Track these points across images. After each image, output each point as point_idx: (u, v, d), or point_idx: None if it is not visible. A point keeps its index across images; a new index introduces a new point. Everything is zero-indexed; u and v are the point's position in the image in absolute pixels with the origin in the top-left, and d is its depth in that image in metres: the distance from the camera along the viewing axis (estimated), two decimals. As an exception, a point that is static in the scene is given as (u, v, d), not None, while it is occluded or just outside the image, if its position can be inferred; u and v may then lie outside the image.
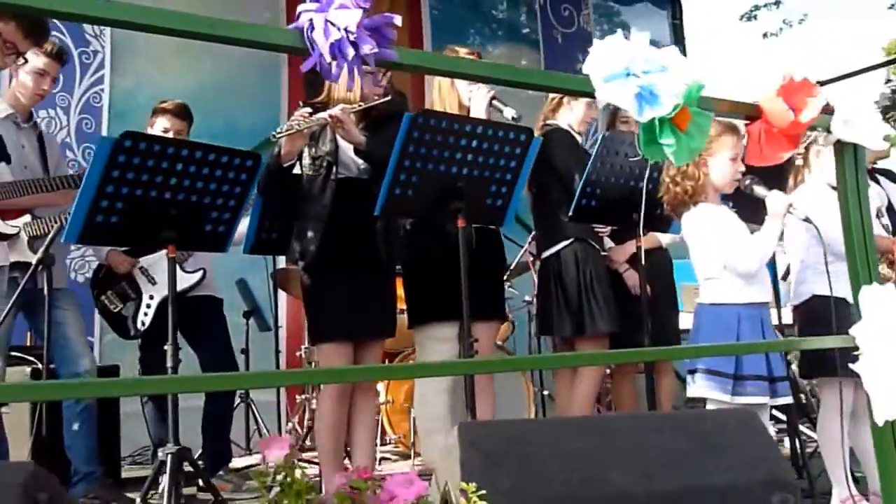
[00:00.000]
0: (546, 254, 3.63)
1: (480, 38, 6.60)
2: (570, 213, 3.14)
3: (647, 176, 3.10)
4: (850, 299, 2.89)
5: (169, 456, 2.44)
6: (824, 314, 2.77)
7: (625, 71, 1.41)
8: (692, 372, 2.68)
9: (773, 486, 1.79)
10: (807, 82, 1.56)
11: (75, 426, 3.25)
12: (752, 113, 1.67)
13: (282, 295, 5.11)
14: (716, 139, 2.72)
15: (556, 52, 6.95)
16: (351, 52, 1.20)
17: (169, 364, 2.53)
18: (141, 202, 2.45)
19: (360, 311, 2.97)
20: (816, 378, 3.11)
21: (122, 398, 3.70)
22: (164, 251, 3.45)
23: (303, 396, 4.60)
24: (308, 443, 4.52)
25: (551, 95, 3.86)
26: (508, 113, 3.16)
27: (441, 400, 3.27)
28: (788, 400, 2.67)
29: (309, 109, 2.89)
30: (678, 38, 7.88)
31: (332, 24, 1.19)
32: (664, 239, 3.90)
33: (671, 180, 2.78)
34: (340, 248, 2.96)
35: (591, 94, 1.47)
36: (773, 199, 2.63)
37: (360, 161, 3.04)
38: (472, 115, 3.23)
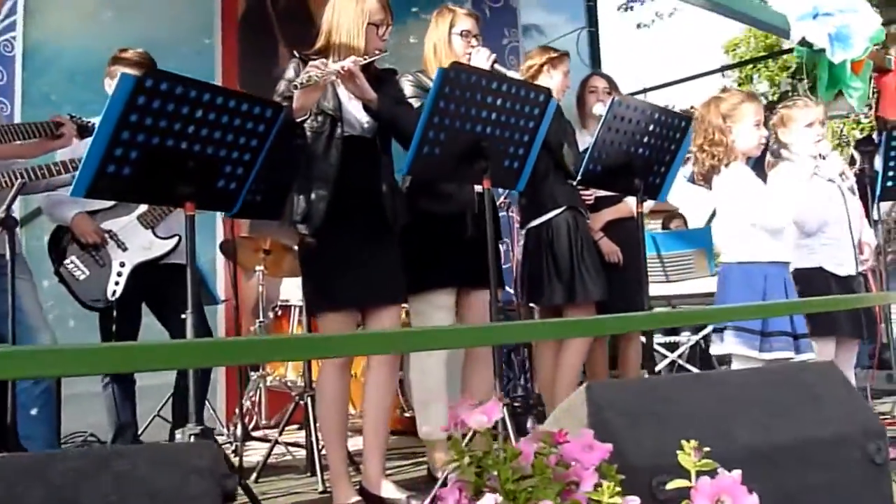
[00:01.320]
0: (535, 222, 3.55)
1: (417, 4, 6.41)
2: (579, 177, 3.07)
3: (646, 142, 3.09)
4: (827, 267, 3.05)
5: (192, 437, 2.19)
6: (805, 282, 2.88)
7: (813, 11, 1.33)
8: (719, 330, 2.70)
9: (868, 435, 1.82)
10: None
11: (34, 411, 2.89)
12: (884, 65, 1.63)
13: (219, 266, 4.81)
14: (738, 107, 2.77)
15: (483, 25, 6.84)
16: None
17: (189, 334, 2.26)
18: (158, 152, 2.17)
19: (370, 277, 2.79)
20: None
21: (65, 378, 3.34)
22: (134, 214, 3.24)
23: (257, 374, 4.33)
24: (264, 421, 4.27)
25: (528, 63, 3.78)
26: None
27: (441, 371, 3.15)
28: (812, 356, 2.73)
29: (324, 59, 2.67)
30: (592, 20, 7.97)
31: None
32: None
33: (699, 149, 2.80)
34: (349, 211, 2.77)
35: (785, 33, 1.38)
36: (801, 163, 2.67)
37: (365, 119, 2.85)
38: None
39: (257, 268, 4.31)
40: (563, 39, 7.66)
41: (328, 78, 2.64)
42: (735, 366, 2.72)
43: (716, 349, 2.74)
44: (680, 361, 5.07)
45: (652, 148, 3.10)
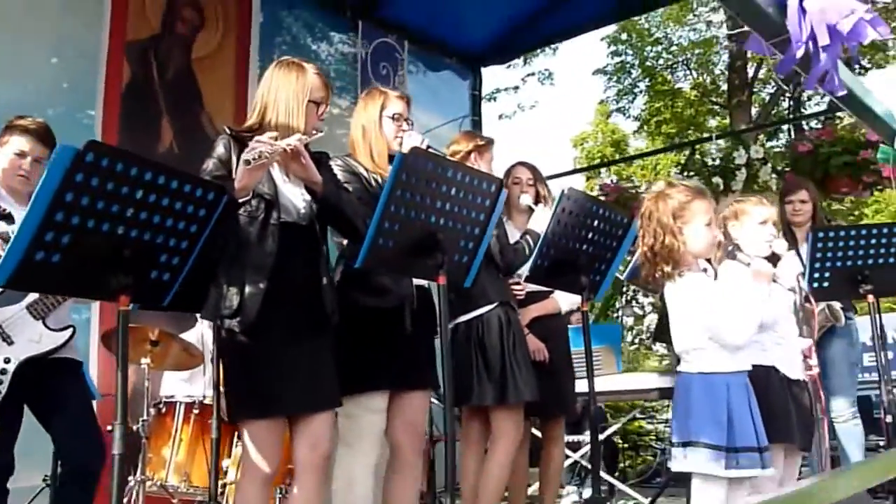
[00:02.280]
0: (465, 317, 3.37)
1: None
2: (528, 273, 2.94)
3: (590, 238, 3.02)
4: (780, 368, 3.05)
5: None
6: (758, 382, 2.85)
7: None
8: (684, 445, 2.57)
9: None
10: None
11: None
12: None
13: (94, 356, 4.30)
14: (688, 206, 2.69)
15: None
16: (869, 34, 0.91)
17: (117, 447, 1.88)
18: (92, 237, 1.84)
19: (306, 380, 2.51)
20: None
21: None
22: (24, 304, 2.79)
23: (134, 479, 3.82)
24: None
25: (454, 149, 3.67)
26: (442, 167, 2.92)
27: (369, 481, 2.86)
28: (772, 472, 2.65)
29: (271, 135, 2.42)
30: (475, 109, 8.08)
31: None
32: (563, 305, 3.83)
33: (649, 250, 2.70)
34: (285, 305, 2.50)
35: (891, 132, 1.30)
36: (757, 267, 2.64)
37: (301, 204, 2.62)
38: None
39: (143, 360, 3.87)
40: (448, 126, 7.74)
41: (275, 156, 2.39)
42: (694, 484, 2.58)
43: (678, 465, 2.60)
44: (583, 462, 4.97)
45: (595, 244, 3.04)
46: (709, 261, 2.86)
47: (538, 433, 3.98)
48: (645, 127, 19.25)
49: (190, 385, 4.40)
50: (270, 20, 5.97)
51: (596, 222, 3.00)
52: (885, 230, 3.41)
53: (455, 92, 7.96)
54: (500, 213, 2.74)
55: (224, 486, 3.88)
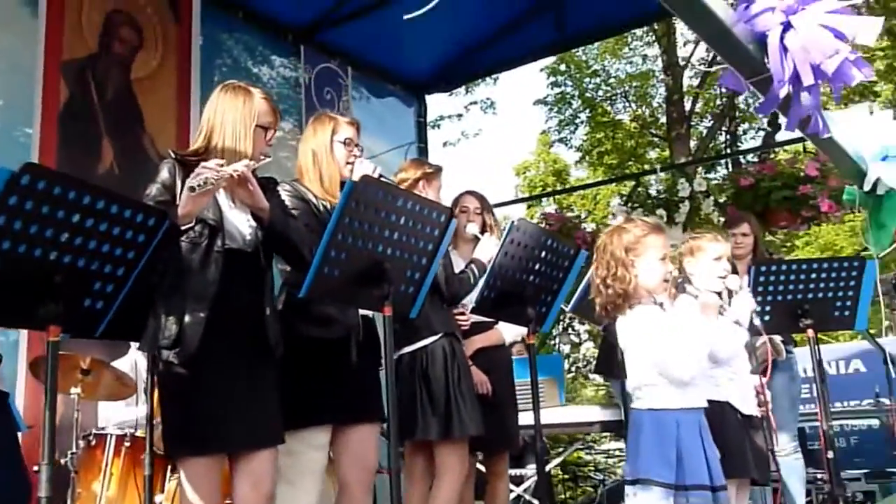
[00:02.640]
0: (409, 348, 3.30)
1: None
2: (474, 305, 2.90)
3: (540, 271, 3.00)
4: (734, 403, 3.05)
5: None
6: (713, 417, 2.85)
7: (883, 152, 1.26)
8: (634, 483, 2.54)
9: None
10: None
11: None
12: None
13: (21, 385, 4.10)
14: (642, 240, 2.71)
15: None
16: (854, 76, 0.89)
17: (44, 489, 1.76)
18: (22, 263, 1.74)
19: (248, 415, 2.42)
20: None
21: None
22: None
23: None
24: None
25: (402, 176, 3.62)
26: (394, 194, 2.88)
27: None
28: (728, 512, 2.63)
29: (218, 161, 2.34)
30: (421, 136, 8.07)
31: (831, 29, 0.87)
32: (507, 336, 3.80)
33: (601, 282, 2.70)
34: (227, 335, 2.41)
35: (861, 174, 1.29)
36: (704, 300, 2.65)
37: (247, 231, 2.54)
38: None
39: (73, 390, 3.70)
40: (393, 152, 7.71)
41: (222, 182, 2.31)
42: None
43: (628, 502, 2.57)
44: (526, 496, 4.93)
45: (542, 276, 3.01)
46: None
47: (482, 467, 3.93)
48: (586, 157, 19.55)
49: (134, 408, 4.21)
50: (210, 42, 5.87)
51: (543, 253, 2.98)
52: (825, 265, 3.48)
53: (400, 118, 7.94)
54: (448, 243, 2.70)
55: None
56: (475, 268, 3.38)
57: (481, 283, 2.95)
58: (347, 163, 3.02)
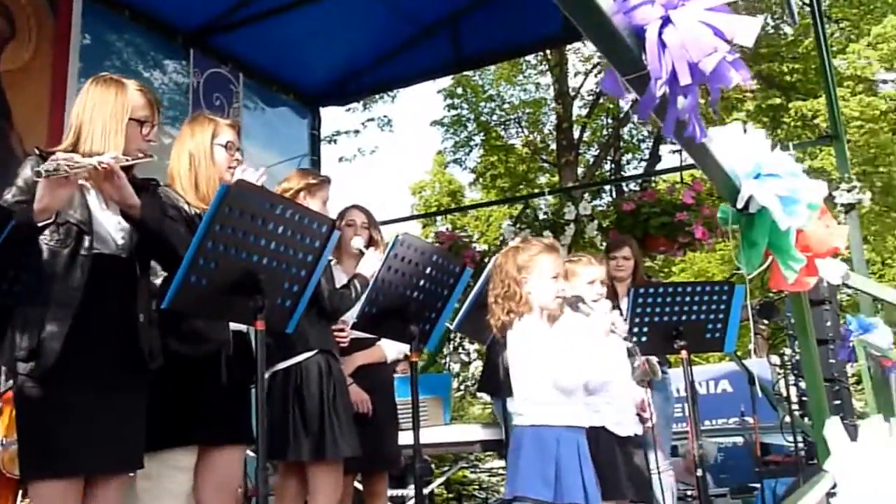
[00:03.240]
0: (283, 365, 3.16)
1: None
2: (355, 320, 2.81)
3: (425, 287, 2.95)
4: (610, 427, 3.06)
5: None
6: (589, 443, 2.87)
7: (755, 170, 1.26)
8: (510, 501, 2.51)
9: None
10: (825, 210, 1.57)
11: None
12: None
13: None
14: (535, 258, 2.72)
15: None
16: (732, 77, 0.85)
17: None
18: None
19: (111, 436, 2.25)
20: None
21: None
22: None
23: None
24: None
25: (284, 186, 3.50)
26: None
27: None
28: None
29: (74, 153, 2.18)
30: (314, 149, 7.94)
31: (710, 27, 0.83)
32: (390, 354, 3.72)
33: (494, 300, 2.71)
34: (92, 347, 2.23)
35: (735, 190, 1.28)
36: (597, 318, 2.66)
37: (120, 235, 2.38)
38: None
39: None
40: (285, 164, 7.54)
41: (80, 173, 2.14)
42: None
43: (505, 521, 2.54)
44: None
45: (427, 292, 2.96)
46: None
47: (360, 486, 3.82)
48: (480, 180, 19.79)
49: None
50: (98, 42, 5.59)
51: (428, 269, 2.93)
52: (699, 288, 3.57)
53: (293, 130, 7.78)
54: (329, 255, 2.61)
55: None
56: (358, 283, 3.28)
57: (363, 298, 2.86)
58: (229, 167, 2.88)
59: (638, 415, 3.18)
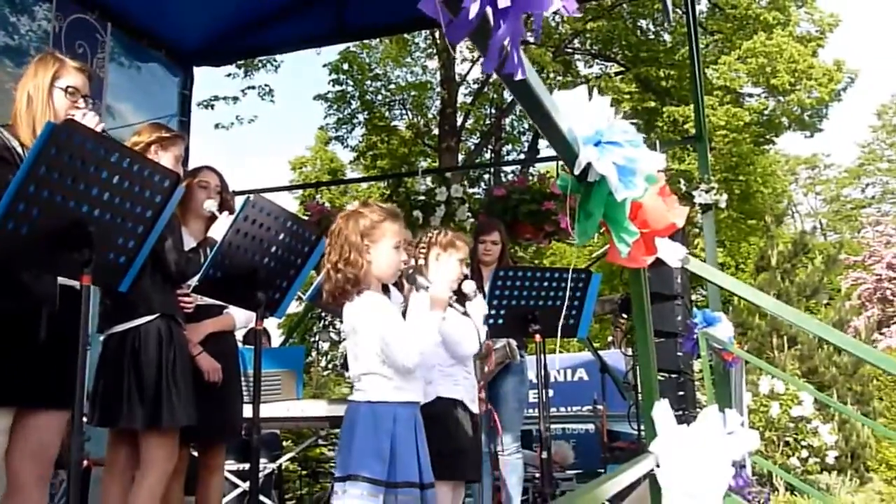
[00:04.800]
0: (120, 328, 2.97)
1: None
2: (196, 283, 2.65)
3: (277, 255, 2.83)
4: (465, 401, 3.06)
5: None
6: (448, 416, 2.86)
7: (596, 137, 1.23)
8: (343, 479, 2.42)
9: None
10: (664, 189, 1.57)
11: None
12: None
13: None
14: (379, 225, 2.60)
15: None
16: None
17: None
18: None
19: None
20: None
21: None
22: None
23: None
24: None
25: (134, 140, 3.27)
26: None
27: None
28: (431, 509, 2.58)
29: None
30: (184, 110, 7.59)
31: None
32: (239, 321, 3.57)
33: (332, 267, 2.55)
34: None
35: (573, 155, 1.24)
36: (436, 291, 2.60)
37: None
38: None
39: None
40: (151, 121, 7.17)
41: None
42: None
43: (337, 501, 2.44)
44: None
45: (278, 259, 2.84)
46: (395, 284, 2.80)
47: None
48: (361, 159, 19.60)
49: None
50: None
51: (281, 236, 2.82)
52: (556, 274, 3.62)
53: (163, 88, 7.40)
54: (172, 212, 2.45)
55: None
56: (208, 247, 3.13)
57: (207, 261, 2.71)
58: (67, 113, 2.66)
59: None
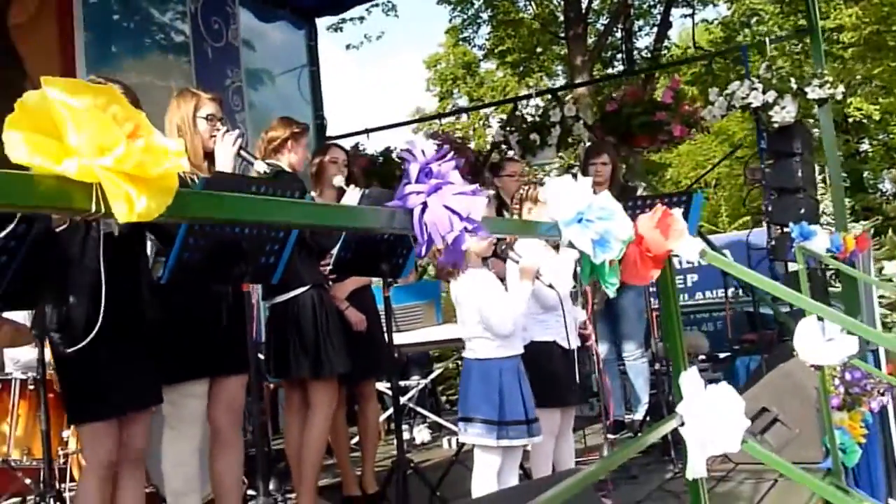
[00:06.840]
0: (280, 298, 3.67)
1: (133, 41, 6.18)
2: (331, 266, 3.26)
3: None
4: (562, 342, 3.52)
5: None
6: (542, 355, 3.36)
7: (577, 216, 1.66)
8: (465, 420, 3.04)
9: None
10: (667, 212, 1.95)
11: None
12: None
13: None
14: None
15: (207, 65, 6.80)
16: (466, 244, 1.27)
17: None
18: None
19: (130, 385, 2.79)
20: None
21: None
22: None
23: None
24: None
25: (272, 135, 3.87)
26: (259, 167, 3.17)
27: (196, 460, 3.18)
28: (539, 439, 3.14)
29: None
30: (313, 60, 8.16)
31: (453, 212, 1.24)
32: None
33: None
34: (107, 317, 2.73)
35: (557, 236, 1.69)
36: (525, 265, 3.08)
37: None
38: (217, 163, 3.16)
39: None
40: (285, 77, 7.84)
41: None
42: (476, 454, 3.09)
43: (462, 437, 3.08)
44: (410, 405, 5.46)
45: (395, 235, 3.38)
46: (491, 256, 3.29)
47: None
48: (490, 56, 19.72)
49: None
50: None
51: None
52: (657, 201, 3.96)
53: (291, 42, 8.03)
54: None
55: (67, 455, 4.11)
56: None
57: (337, 246, 3.30)
58: (211, 136, 3.25)
59: (580, 332, 3.61)
